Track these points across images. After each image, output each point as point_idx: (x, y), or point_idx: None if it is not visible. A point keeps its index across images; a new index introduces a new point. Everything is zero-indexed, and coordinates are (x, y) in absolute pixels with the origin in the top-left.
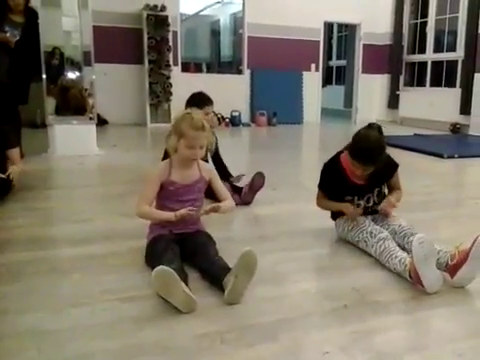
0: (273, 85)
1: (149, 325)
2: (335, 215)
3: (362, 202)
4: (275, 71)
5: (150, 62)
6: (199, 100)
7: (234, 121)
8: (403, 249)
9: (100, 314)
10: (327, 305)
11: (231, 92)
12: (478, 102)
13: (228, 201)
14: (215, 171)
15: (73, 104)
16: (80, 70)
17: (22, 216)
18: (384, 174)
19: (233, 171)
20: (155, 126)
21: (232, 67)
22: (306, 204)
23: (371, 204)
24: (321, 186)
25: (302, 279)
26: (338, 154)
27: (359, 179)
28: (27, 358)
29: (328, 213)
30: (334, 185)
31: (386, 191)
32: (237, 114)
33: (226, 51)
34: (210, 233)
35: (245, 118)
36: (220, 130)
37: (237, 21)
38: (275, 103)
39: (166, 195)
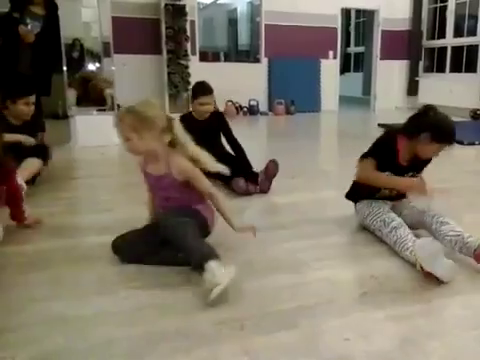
0: (290, 73)
1: (170, 313)
2: (355, 198)
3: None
4: (292, 59)
5: (168, 52)
6: (194, 91)
7: (252, 110)
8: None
9: (123, 302)
10: (346, 292)
11: (249, 81)
12: None
13: (220, 202)
14: (198, 172)
15: (93, 95)
16: (100, 61)
17: (49, 205)
18: (426, 160)
19: (253, 160)
20: (174, 116)
21: (250, 56)
22: (326, 192)
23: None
24: (373, 155)
25: (321, 267)
26: (394, 133)
27: (405, 162)
28: (54, 344)
29: (347, 202)
30: (381, 161)
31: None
32: (255, 103)
33: (243, 40)
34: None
35: (263, 107)
36: (238, 119)
37: (254, 9)
38: (293, 91)
39: (148, 186)
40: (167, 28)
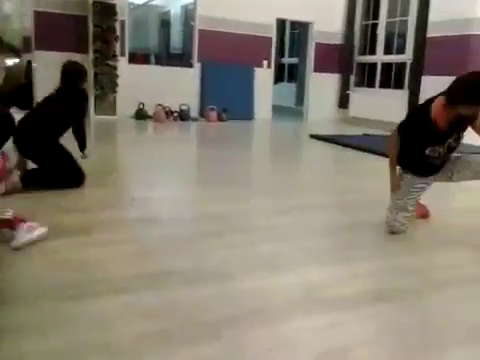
0: (224, 80)
1: (91, 324)
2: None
3: (442, 149)
4: (227, 66)
5: (95, 52)
6: None
7: (183, 115)
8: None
9: (41, 314)
10: (274, 302)
11: (180, 85)
12: None
13: None
14: None
15: (9, 91)
16: (19, 56)
17: None
18: (466, 118)
19: (179, 169)
20: (100, 118)
21: (182, 59)
22: (256, 201)
23: (446, 151)
24: (402, 129)
25: (247, 276)
26: (427, 104)
27: (446, 126)
28: None
29: (277, 211)
30: (418, 135)
31: (463, 135)
32: (186, 108)
33: (176, 43)
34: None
35: (194, 112)
36: (168, 124)
37: (188, 13)
38: (226, 98)
39: None
40: (95, 26)
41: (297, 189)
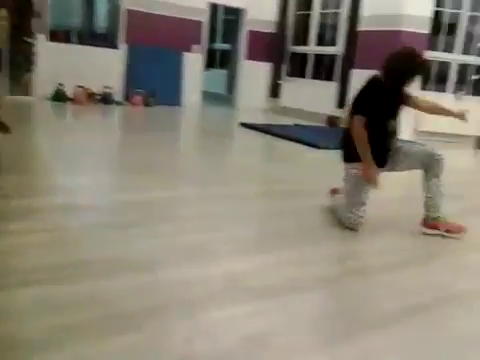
0: (152, 63)
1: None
2: (351, 158)
3: (394, 123)
4: (155, 49)
5: (11, 27)
6: None
7: (106, 98)
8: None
9: None
10: (196, 292)
11: (104, 67)
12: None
13: None
14: None
15: None
16: None
17: None
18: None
19: (102, 155)
20: (14, 99)
21: (107, 40)
22: (182, 189)
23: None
24: (363, 110)
25: (171, 267)
26: (374, 78)
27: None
28: None
29: (203, 199)
30: (379, 105)
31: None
32: (109, 91)
33: (101, 22)
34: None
35: (119, 96)
36: (89, 107)
37: None
38: (153, 82)
39: None
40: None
41: (225, 178)
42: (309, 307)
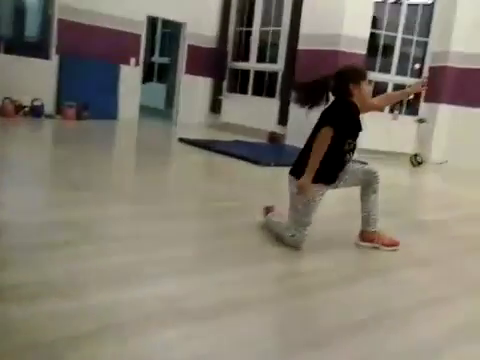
0: (86, 75)
1: None
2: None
3: (353, 143)
4: (90, 60)
5: None
6: None
7: (35, 111)
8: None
9: None
10: (128, 316)
11: (34, 78)
12: (294, 114)
13: None
14: None
15: None
16: None
17: None
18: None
19: (29, 170)
20: None
21: (38, 50)
22: (116, 207)
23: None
24: (337, 125)
25: (101, 290)
26: (346, 99)
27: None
28: None
29: (139, 218)
30: (350, 126)
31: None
32: (39, 103)
33: (32, 32)
34: None
35: (49, 109)
36: (17, 120)
37: (47, 0)
38: (87, 95)
39: None
40: None
41: (161, 195)
42: (247, 328)
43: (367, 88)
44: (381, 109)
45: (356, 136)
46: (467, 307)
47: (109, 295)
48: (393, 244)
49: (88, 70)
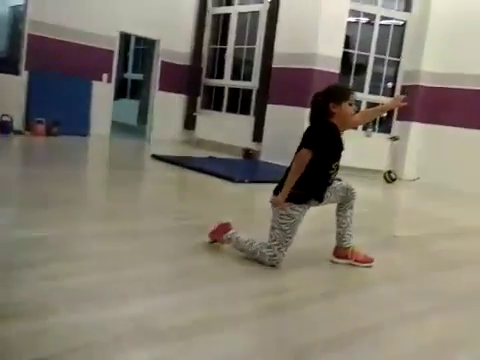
0: (57, 91)
1: None
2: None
3: (337, 164)
4: (61, 76)
5: None
6: None
7: (4, 127)
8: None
9: None
10: (97, 337)
11: (3, 94)
12: (269, 131)
13: None
14: None
15: None
16: None
17: None
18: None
19: None
20: None
21: (7, 65)
22: (86, 225)
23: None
24: (315, 147)
25: (68, 310)
26: (325, 119)
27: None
28: None
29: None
30: (331, 148)
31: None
32: (8, 119)
33: (1, 47)
34: None
35: (18, 125)
36: None
37: (17, 15)
38: (58, 111)
39: None
40: None
41: (133, 213)
42: (217, 348)
43: (349, 109)
44: (359, 125)
45: (339, 156)
46: (437, 324)
47: (78, 315)
48: (367, 261)
49: (59, 86)
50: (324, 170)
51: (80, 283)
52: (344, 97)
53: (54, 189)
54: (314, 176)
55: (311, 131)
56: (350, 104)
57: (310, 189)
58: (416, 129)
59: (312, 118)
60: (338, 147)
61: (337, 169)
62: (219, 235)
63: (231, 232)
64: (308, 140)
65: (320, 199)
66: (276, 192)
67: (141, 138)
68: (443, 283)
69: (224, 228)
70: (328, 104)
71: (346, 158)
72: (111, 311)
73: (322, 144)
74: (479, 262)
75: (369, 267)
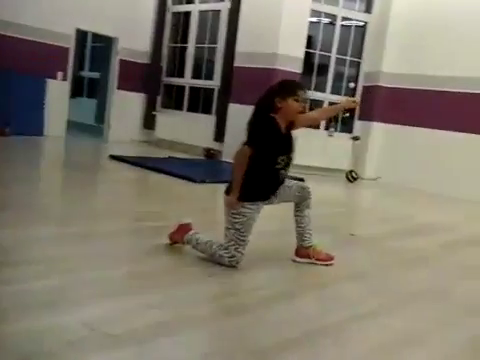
0: (8, 90)
1: None
2: (243, 197)
3: (285, 159)
4: (11, 74)
5: None
6: None
7: None
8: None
9: None
10: (48, 344)
11: None
12: (231, 130)
13: None
14: None
15: None
16: None
17: None
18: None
19: None
20: None
21: None
22: (40, 228)
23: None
24: (254, 143)
25: (17, 318)
26: (267, 115)
27: (284, 129)
28: None
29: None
30: (271, 141)
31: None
32: None
33: None
34: None
35: None
36: None
37: None
38: (9, 111)
39: None
40: None
41: (88, 215)
42: (175, 352)
43: (295, 105)
44: (316, 122)
45: (288, 152)
46: (396, 322)
47: (30, 322)
48: (328, 259)
49: (10, 84)
50: (270, 166)
51: (33, 288)
52: (290, 93)
53: (5, 192)
54: (261, 173)
55: (251, 126)
56: (296, 100)
57: (258, 187)
58: (377, 129)
59: (255, 111)
60: (281, 141)
61: (287, 165)
62: (179, 236)
63: (192, 233)
64: (248, 137)
65: (267, 197)
66: (227, 192)
67: (99, 138)
68: (402, 280)
69: (184, 229)
70: (274, 98)
71: (309, 157)
72: (64, 316)
73: (260, 140)
74: (437, 258)
75: (330, 265)
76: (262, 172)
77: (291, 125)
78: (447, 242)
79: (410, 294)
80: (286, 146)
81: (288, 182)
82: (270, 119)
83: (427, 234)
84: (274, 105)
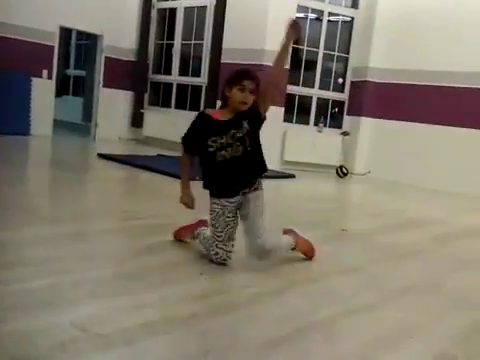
0: None
1: None
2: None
3: (224, 140)
4: None
5: None
6: None
7: None
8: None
9: None
10: (40, 345)
11: None
12: None
13: None
14: None
15: None
16: None
17: None
18: (251, 110)
19: None
20: None
21: None
22: (28, 229)
23: (239, 144)
24: (184, 138)
25: (8, 319)
26: (201, 111)
27: (225, 117)
28: None
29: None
30: (199, 133)
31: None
32: None
33: None
34: None
35: None
36: None
37: None
38: None
39: None
40: None
41: (78, 214)
42: (166, 351)
43: (238, 95)
44: (278, 79)
45: (220, 133)
46: (389, 316)
47: (21, 323)
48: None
49: None
50: (204, 151)
51: (24, 289)
52: (234, 82)
53: None
54: (202, 162)
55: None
56: (241, 90)
57: (208, 178)
58: (366, 124)
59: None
60: (210, 127)
61: (227, 146)
62: (187, 232)
63: (203, 227)
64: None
65: (227, 193)
66: (210, 193)
67: (86, 137)
68: (394, 274)
69: (200, 224)
70: (224, 89)
71: (299, 153)
72: (55, 317)
73: (188, 136)
74: (428, 252)
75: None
76: (202, 161)
77: (257, 105)
78: (438, 235)
79: (402, 287)
80: (218, 129)
81: (254, 214)
82: (199, 114)
83: (418, 228)
84: (224, 95)
